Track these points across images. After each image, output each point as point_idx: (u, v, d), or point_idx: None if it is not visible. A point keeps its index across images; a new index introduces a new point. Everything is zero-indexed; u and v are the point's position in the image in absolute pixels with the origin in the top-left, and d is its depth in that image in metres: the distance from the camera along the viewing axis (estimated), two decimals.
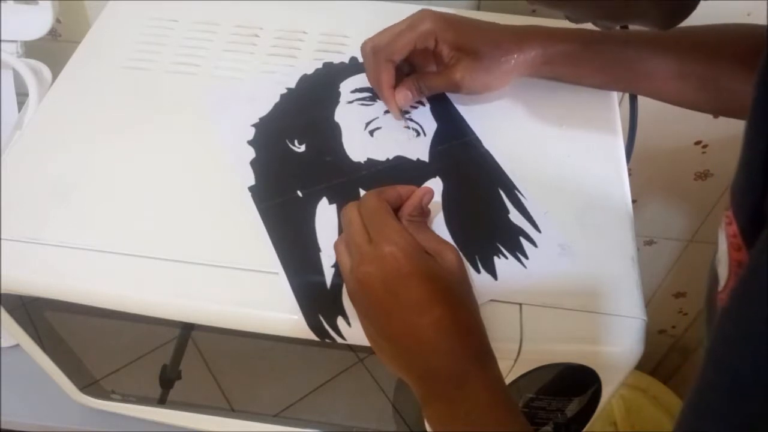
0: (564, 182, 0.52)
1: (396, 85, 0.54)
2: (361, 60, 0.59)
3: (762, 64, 0.26)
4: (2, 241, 0.47)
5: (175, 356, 0.57)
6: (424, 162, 0.52)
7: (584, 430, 0.54)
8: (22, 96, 0.69)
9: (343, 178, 0.51)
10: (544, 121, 0.57)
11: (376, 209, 0.42)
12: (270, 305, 0.44)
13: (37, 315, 0.52)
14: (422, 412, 0.39)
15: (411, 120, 0.55)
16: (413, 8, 0.66)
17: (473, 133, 0.55)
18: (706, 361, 0.25)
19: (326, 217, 0.48)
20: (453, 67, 0.53)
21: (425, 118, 0.56)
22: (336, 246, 0.44)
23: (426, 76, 0.55)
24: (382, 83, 0.54)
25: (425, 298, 0.38)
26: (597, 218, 0.50)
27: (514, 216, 0.49)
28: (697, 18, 0.42)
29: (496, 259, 0.46)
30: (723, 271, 0.31)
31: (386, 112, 0.55)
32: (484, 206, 0.50)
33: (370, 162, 0.52)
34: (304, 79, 0.58)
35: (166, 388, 0.61)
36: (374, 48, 0.54)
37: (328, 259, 0.46)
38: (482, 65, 0.53)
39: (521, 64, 0.54)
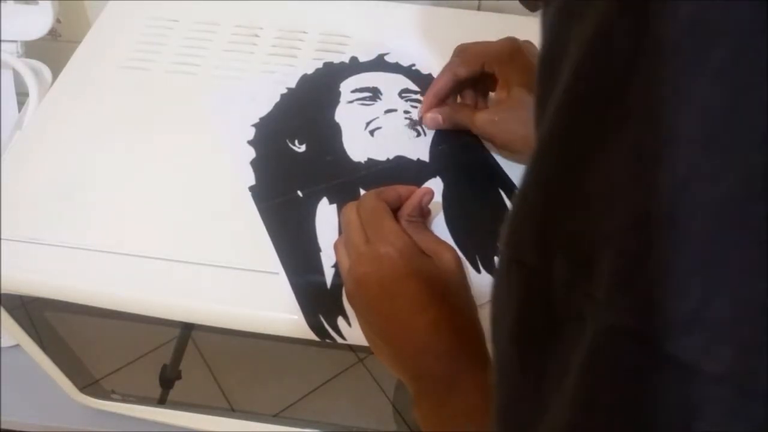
0: None
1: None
2: (361, 59, 0.59)
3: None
4: (2, 241, 0.47)
5: (175, 356, 0.57)
6: (424, 162, 0.52)
7: None
8: (22, 96, 0.69)
9: (344, 178, 0.51)
10: None
11: (374, 209, 0.42)
12: (270, 305, 0.44)
13: (37, 315, 0.52)
14: (414, 411, 0.39)
15: (411, 120, 0.55)
16: (413, 8, 0.66)
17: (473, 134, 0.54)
18: None
19: (326, 217, 0.48)
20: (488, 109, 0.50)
21: None
22: (335, 246, 0.44)
23: (460, 109, 0.53)
24: (432, 87, 0.52)
25: (420, 299, 0.38)
26: None
27: None
28: None
29: (496, 259, 0.46)
30: None
31: (386, 111, 0.55)
32: (484, 206, 0.50)
33: (371, 162, 0.52)
34: (305, 79, 0.58)
35: (166, 388, 0.61)
36: (457, 52, 0.52)
37: (328, 259, 0.46)
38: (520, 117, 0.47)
39: None
